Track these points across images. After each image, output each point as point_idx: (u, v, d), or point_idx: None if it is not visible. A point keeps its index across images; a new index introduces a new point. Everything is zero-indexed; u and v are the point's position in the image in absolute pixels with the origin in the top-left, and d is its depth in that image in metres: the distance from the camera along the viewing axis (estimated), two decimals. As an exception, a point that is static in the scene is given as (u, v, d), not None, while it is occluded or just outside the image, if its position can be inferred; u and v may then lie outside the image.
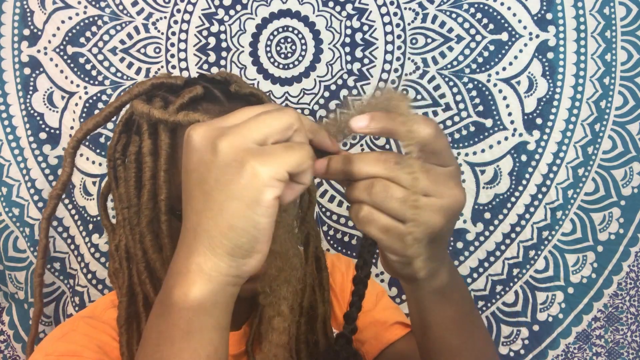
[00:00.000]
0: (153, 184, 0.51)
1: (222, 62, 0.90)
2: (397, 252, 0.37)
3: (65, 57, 0.91)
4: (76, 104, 0.91)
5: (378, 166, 0.36)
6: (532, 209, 0.90)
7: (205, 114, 0.53)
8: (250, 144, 0.32)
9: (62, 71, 0.91)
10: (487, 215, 0.91)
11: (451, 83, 0.89)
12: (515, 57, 0.88)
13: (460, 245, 0.91)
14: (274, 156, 0.32)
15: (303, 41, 0.90)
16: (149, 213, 0.51)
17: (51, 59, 0.91)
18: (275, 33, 0.90)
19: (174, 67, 0.90)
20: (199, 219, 0.34)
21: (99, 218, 0.92)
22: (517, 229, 0.91)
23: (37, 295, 0.57)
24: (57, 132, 0.92)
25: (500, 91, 0.89)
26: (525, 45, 0.88)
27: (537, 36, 0.88)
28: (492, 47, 0.88)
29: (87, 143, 0.91)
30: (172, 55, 0.90)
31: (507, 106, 0.89)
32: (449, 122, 0.90)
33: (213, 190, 0.33)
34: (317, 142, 0.38)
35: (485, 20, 0.88)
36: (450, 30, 0.88)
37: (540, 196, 0.90)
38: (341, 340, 0.46)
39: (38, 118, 0.92)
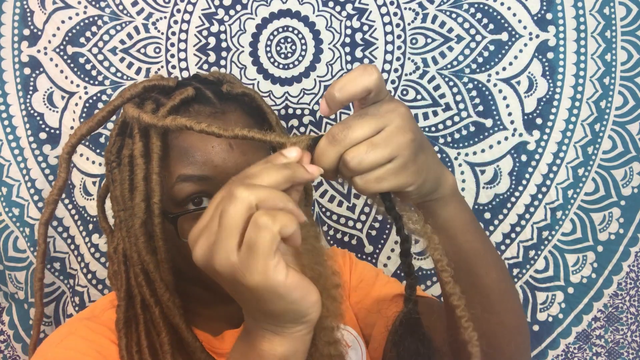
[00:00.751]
0: (145, 186, 0.51)
1: (222, 62, 0.90)
2: (409, 182, 0.42)
3: (65, 57, 0.91)
4: (76, 104, 0.91)
5: (333, 150, 0.41)
6: (532, 209, 0.90)
7: (196, 115, 0.53)
8: (231, 255, 0.36)
9: (62, 71, 0.91)
10: (487, 215, 0.91)
11: (451, 83, 0.89)
12: (515, 57, 0.88)
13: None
14: (255, 253, 0.35)
15: (303, 41, 0.90)
16: (142, 215, 0.51)
17: (51, 59, 0.91)
18: (275, 33, 0.90)
19: (174, 67, 0.90)
20: (248, 311, 0.42)
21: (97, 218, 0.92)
22: (517, 229, 0.91)
23: (38, 299, 0.57)
24: (57, 132, 0.92)
25: (500, 91, 0.89)
26: (525, 45, 0.88)
27: (537, 36, 0.88)
28: (492, 47, 0.88)
29: (87, 143, 0.91)
30: (172, 55, 0.90)
31: (507, 106, 0.89)
32: (449, 122, 0.90)
33: (243, 294, 0.39)
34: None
35: (485, 20, 0.88)
36: (450, 30, 0.88)
37: (540, 196, 0.90)
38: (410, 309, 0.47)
39: (38, 118, 0.92)
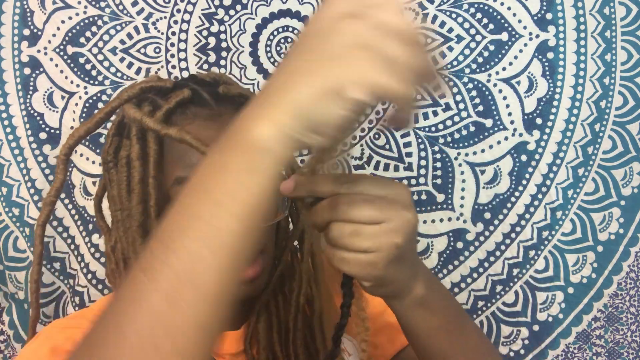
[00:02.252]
0: (142, 189, 0.51)
1: (222, 62, 0.90)
2: (368, 279, 0.42)
3: (65, 57, 0.91)
4: (76, 104, 0.91)
5: (327, 214, 0.41)
6: (532, 209, 0.90)
7: (193, 117, 0.53)
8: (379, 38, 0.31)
9: (62, 71, 0.91)
10: (487, 215, 0.91)
11: (451, 83, 0.89)
12: (515, 57, 0.88)
13: (460, 245, 0.91)
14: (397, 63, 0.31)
15: (303, 41, 0.90)
16: (139, 217, 0.51)
17: (51, 59, 0.91)
18: (275, 33, 0.90)
19: (174, 67, 0.90)
20: (290, 78, 0.32)
21: (99, 218, 0.92)
22: (517, 229, 0.91)
23: (34, 301, 0.57)
24: (57, 132, 0.92)
25: (500, 91, 0.89)
26: (525, 45, 0.88)
27: (537, 36, 0.88)
28: (492, 47, 0.88)
29: (87, 143, 0.91)
30: (172, 55, 0.90)
31: (507, 106, 0.89)
32: (449, 122, 0.90)
33: (321, 59, 0.32)
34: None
35: (485, 20, 0.88)
36: (450, 30, 0.88)
37: (540, 196, 0.90)
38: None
39: (38, 118, 0.92)
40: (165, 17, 0.90)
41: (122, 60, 0.90)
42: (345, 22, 0.31)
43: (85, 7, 0.89)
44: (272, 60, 0.90)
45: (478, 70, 0.89)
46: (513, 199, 0.90)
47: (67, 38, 0.90)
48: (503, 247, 0.91)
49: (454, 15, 0.88)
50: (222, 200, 0.32)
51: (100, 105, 0.91)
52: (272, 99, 0.32)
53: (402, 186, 0.42)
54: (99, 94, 0.91)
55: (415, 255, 0.46)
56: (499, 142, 0.90)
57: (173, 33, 0.90)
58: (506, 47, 0.88)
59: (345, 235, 0.40)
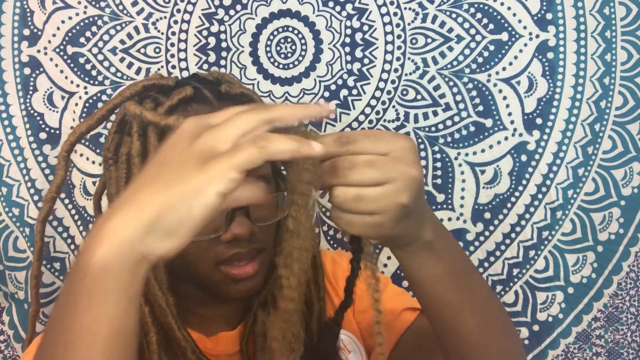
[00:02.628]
0: None
1: (222, 62, 0.90)
2: (376, 238, 0.42)
3: (65, 57, 0.91)
4: (76, 104, 0.91)
5: (328, 179, 0.40)
6: (532, 209, 0.90)
7: (195, 115, 0.53)
8: (222, 143, 0.33)
9: (62, 71, 0.91)
10: (487, 215, 0.91)
11: (451, 83, 0.89)
12: (515, 57, 0.88)
13: (460, 245, 0.91)
14: (228, 155, 0.33)
15: (303, 41, 0.90)
16: None
17: (51, 59, 0.91)
18: (275, 33, 0.90)
19: (174, 67, 0.90)
20: (137, 190, 0.34)
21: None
22: (517, 229, 0.91)
23: (34, 297, 0.57)
24: (57, 132, 0.92)
25: (500, 91, 0.89)
26: (525, 45, 0.88)
27: (537, 36, 0.88)
28: (492, 47, 0.88)
29: (87, 143, 0.91)
30: (172, 55, 0.90)
31: (507, 106, 0.89)
32: (449, 122, 0.90)
33: (168, 170, 0.34)
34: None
35: (485, 20, 0.88)
36: (450, 30, 0.88)
37: (540, 196, 0.90)
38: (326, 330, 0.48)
39: (38, 118, 0.92)
40: (165, 17, 0.90)
41: (122, 60, 0.90)
42: (197, 139, 0.34)
43: (85, 7, 0.89)
44: (272, 60, 0.90)
45: (478, 70, 0.89)
46: (513, 199, 0.90)
47: (67, 38, 0.90)
48: (503, 247, 0.91)
49: (454, 15, 0.88)
50: (77, 331, 0.32)
51: (100, 105, 0.91)
52: (115, 214, 0.33)
53: (405, 140, 0.40)
54: (99, 94, 0.91)
55: (424, 205, 0.44)
56: (499, 142, 0.90)
57: (173, 33, 0.90)
58: (506, 47, 0.88)
59: (348, 200, 0.38)
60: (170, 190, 0.32)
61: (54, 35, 0.90)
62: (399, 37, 0.89)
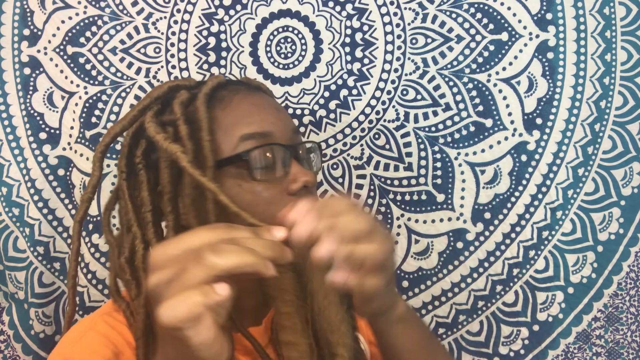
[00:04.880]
0: (199, 157, 0.53)
1: (222, 62, 0.90)
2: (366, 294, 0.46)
3: (65, 57, 0.91)
4: (76, 104, 0.91)
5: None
6: (532, 209, 0.90)
7: (236, 91, 0.58)
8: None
9: (62, 71, 0.91)
10: (487, 215, 0.91)
11: (451, 83, 0.89)
12: (515, 57, 0.88)
13: (460, 245, 0.91)
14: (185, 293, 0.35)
15: (303, 41, 0.90)
16: (194, 204, 0.53)
17: (51, 59, 0.91)
18: (275, 33, 0.90)
19: (174, 67, 0.90)
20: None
21: (99, 218, 0.92)
22: (517, 229, 0.91)
23: (71, 297, 0.58)
24: (57, 132, 0.92)
25: (500, 91, 0.89)
26: (525, 45, 0.88)
27: (537, 36, 0.88)
28: (492, 47, 0.88)
29: (87, 143, 0.91)
30: (172, 55, 0.90)
31: (507, 106, 0.89)
32: (449, 122, 0.90)
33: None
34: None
35: (485, 20, 0.88)
36: (450, 30, 0.88)
37: (540, 196, 0.90)
38: None
39: (38, 118, 0.92)
40: (165, 17, 0.90)
41: (122, 60, 0.90)
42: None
43: (85, 7, 0.89)
44: (272, 60, 0.90)
45: (478, 70, 0.89)
46: (513, 199, 0.90)
47: (67, 38, 0.90)
48: (503, 247, 0.91)
49: (454, 15, 0.88)
50: None
51: (100, 105, 0.91)
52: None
53: (375, 220, 0.45)
54: (99, 94, 0.91)
55: (394, 280, 0.51)
56: (499, 142, 0.90)
57: (173, 33, 0.90)
58: (506, 47, 0.88)
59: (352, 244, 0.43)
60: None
61: (54, 35, 0.90)
62: (399, 37, 0.89)
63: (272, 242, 0.40)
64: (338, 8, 0.89)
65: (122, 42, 0.90)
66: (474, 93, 0.89)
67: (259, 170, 0.54)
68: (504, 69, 0.89)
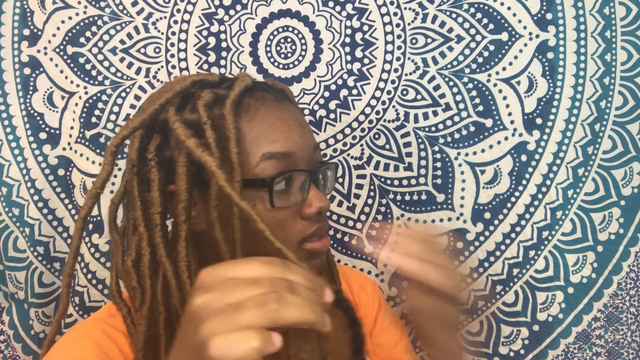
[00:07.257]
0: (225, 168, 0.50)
1: (222, 62, 0.90)
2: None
3: (65, 57, 0.91)
4: (76, 104, 0.91)
5: None
6: (532, 209, 0.90)
7: (262, 100, 0.56)
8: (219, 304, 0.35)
9: (62, 71, 0.91)
10: (487, 215, 0.91)
11: (451, 83, 0.89)
12: (515, 57, 0.88)
13: (460, 245, 0.91)
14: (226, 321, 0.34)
15: (303, 41, 0.90)
16: (215, 202, 0.51)
17: (51, 59, 0.91)
18: (275, 33, 0.90)
19: (174, 67, 0.90)
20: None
21: (99, 218, 0.92)
22: (517, 229, 0.91)
23: (65, 296, 0.54)
24: (57, 132, 0.92)
25: (500, 91, 0.89)
26: (525, 45, 0.88)
27: (537, 36, 0.88)
28: (492, 47, 0.88)
29: (87, 143, 0.91)
30: (172, 55, 0.90)
31: (507, 106, 0.89)
32: (449, 122, 0.90)
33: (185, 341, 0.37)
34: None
35: (485, 20, 0.88)
36: (450, 30, 0.88)
37: (540, 196, 0.90)
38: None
39: (38, 118, 0.92)
40: (165, 17, 0.90)
41: (122, 60, 0.90)
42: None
43: (85, 7, 0.89)
44: (272, 60, 0.90)
45: (478, 70, 0.89)
46: (513, 199, 0.90)
47: (67, 38, 0.90)
48: (503, 247, 0.91)
49: (454, 15, 0.88)
50: None
51: (100, 105, 0.91)
52: None
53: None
54: (99, 94, 0.91)
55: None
56: (499, 142, 0.90)
57: (173, 33, 0.90)
58: (506, 47, 0.88)
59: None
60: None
61: (54, 35, 0.90)
62: (399, 37, 0.89)
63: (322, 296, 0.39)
64: (338, 8, 0.89)
65: (122, 42, 0.90)
66: (474, 93, 0.89)
67: (278, 197, 0.52)
68: (504, 69, 0.89)
